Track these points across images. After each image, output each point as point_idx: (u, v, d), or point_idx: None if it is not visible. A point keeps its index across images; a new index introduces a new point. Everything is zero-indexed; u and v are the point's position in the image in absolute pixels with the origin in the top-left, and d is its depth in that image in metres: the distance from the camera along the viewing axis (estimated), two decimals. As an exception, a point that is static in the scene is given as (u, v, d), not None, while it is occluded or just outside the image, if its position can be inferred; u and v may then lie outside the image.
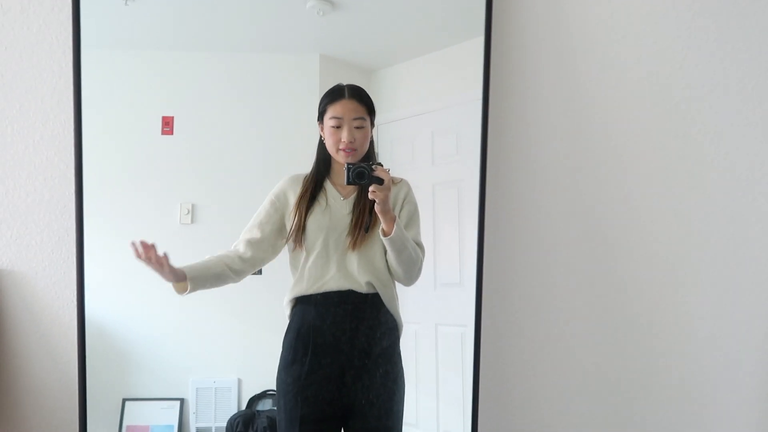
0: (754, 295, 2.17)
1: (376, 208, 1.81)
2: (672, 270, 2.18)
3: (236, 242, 1.89)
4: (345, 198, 1.90)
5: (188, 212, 1.95)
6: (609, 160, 2.16)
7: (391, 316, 1.90)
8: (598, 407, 2.19)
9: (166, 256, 1.77)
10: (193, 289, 1.81)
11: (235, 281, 1.86)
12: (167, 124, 1.94)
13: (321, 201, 1.89)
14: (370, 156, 1.91)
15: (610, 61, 2.15)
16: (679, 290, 2.18)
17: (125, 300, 1.94)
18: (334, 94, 1.90)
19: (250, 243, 1.88)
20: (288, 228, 1.89)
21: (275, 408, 1.92)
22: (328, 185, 1.91)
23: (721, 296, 2.17)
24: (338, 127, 1.88)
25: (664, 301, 2.18)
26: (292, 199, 1.90)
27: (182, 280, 1.80)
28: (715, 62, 2.15)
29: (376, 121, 1.92)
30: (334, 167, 1.92)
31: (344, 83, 1.91)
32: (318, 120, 1.91)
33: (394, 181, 1.90)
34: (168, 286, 1.83)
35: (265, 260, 1.90)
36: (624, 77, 2.15)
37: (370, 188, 1.80)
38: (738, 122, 2.16)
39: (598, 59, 2.15)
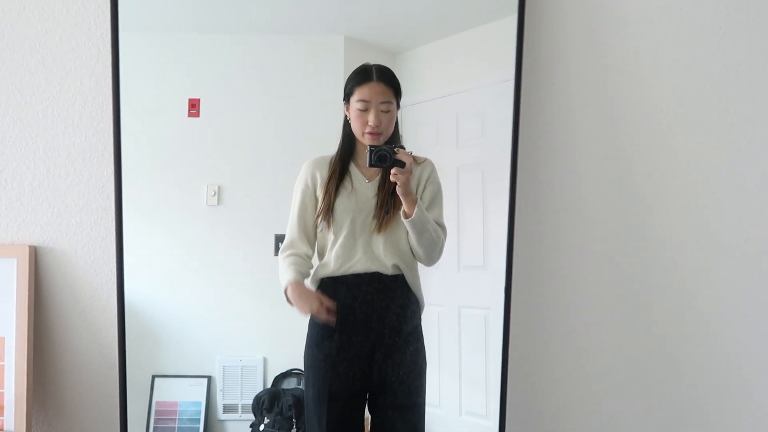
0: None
1: (398, 190, 1.81)
2: (709, 255, 2.13)
3: (290, 243, 1.92)
4: (369, 181, 1.90)
5: (214, 194, 1.97)
6: (647, 142, 2.11)
7: (416, 296, 1.91)
8: (629, 393, 2.17)
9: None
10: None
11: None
12: (193, 107, 1.95)
13: (347, 184, 1.90)
14: (394, 138, 1.90)
15: (646, 42, 2.10)
16: (714, 276, 2.13)
17: (154, 279, 1.97)
18: (361, 76, 1.89)
19: (307, 237, 1.92)
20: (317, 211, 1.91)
21: (300, 387, 1.95)
22: (352, 168, 1.91)
23: (756, 288, 2.12)
24: (365, 110, 1.88)
25: (700, 286, 2.14)
26: (320, 179, 1.91)
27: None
28: (752, 46, 2.09)
29: (401, 103, 1.91)
30: (358, 149, 1.92)
31: (371, 63, 1.91)
32: (344, 100, 1.90)
33: (418, 161, 1.90)
34: (196, 267, 1.94)
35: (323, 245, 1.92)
36: (660, 58, 2.10)
37: (392, 171, 1.80)
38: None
39: (633, 39, 2.10)
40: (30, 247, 1.97)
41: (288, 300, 1.87)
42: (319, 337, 1.88)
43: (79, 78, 2.00)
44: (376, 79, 1.88)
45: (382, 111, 1.88)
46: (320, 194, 1.90)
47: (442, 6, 2.03)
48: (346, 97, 1.90)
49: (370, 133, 1.87)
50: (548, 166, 2.12)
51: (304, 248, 1.91)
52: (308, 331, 1.90)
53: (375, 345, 1.88)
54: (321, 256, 1.91)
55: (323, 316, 1.87)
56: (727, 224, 2.12)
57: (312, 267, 1.91)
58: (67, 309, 2.02)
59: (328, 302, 1.88)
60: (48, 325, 2.02)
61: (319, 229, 1.91)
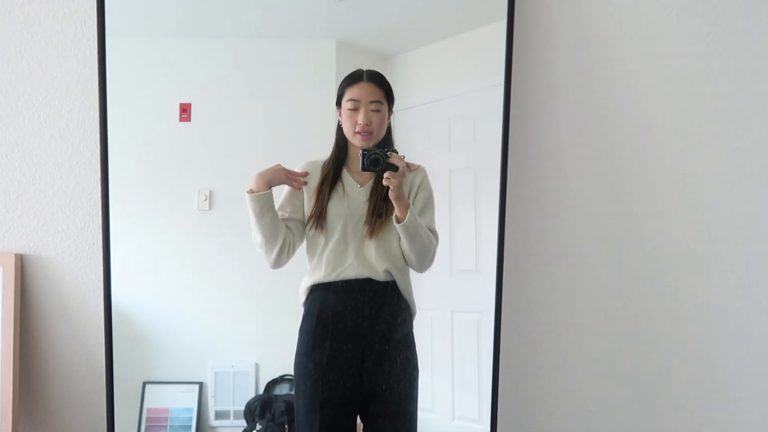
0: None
1: (390, 194, 1.82)
2: (698, 261, 2.15)
3: None
4: (362, 186, 1.90)
5: (206, 198, 1.96)
6: (636, 147, 2.13)
7: (407, 303, 1.91)
8: (619, 397, 2.18)
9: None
10: (264, 201, 1.85)
11: (279, 246, 1.87)
12: (185, 111, 1.94)
13: (338, 189, 1.90)
14: (387, 143, 1.91)
15: (634, 46, 2.12)
16: (703, 281, 2.15)
17: (145, 285, 1.96)
18: (352, 78, 1.90)
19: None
20: (307, 213, 1.90)
21: (292, 393, 1.94)
22: (344, 173, 1.91)
23: (750, 292, 2.14)
24: (355, 109, 1.88)
25: (690, 292, 2.15)
26: (310, 184, 1.91)
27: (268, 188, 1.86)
28: (741, 49, 2.11)
29: (393, 107, 1.92)
30: (351, 154, 1.92)
31: (364, 68, 1.92)
32: (336, 104, 1.91)
33: (411, 168, 1.90)
34: (188, 273, 1.95)
35: (294, 240, 1.91)
36: (649, 63, 2.12)
37: (384, 175, 1.80)
38: (765, 111, 2.11)
39: (622, 44, 2.12)
40: (16, 255, 1.96)
41: (251, 193, 1.85)
42: (309, 345, 1.87)
43: (66, 84, 1.99)
44: (366, 80, 1.90)
45: (372, 110, 1.88)
46: (309, 197, 1.90)
47: (433, 11, 2.03)
48: (338, 101, 1.91)
49: (360, 132, 1.88)
50: (538, 170, 2.13)
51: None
52: (298, 339, 1.89)
53: (365, 353, 1.88)
54: (311, 259, 1.90)
55: (294, 184, 1.90)
56: (717, 229, 2.14)
57: (284, 225, 1.89)
58: (53, 317, 2.00)
59: (292, 172, 1.90)
60: (34, 333, 2.00)
61: (308, 235, 1.90)
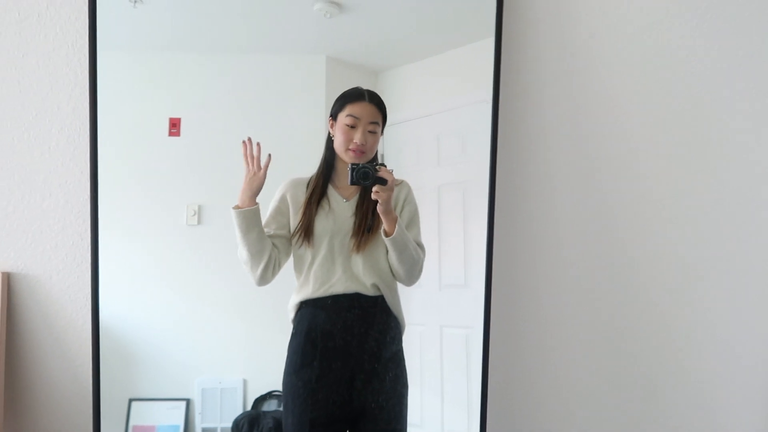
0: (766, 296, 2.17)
1: (379, 208, 1.82)
2: (683, 273, 2.16)
3: None
4: (347, 200, 1.91)
5: (195, 213, 1.96)
6: (620, 161, 2.15)
7: (397, 320, 1.91)
8: (607, 410, 2.18)
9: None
10: (250, 217, 1.84)
11: (265, 263, 1.86)
12: (174, 126, 1.95)
13: (324, 204, 1.90)
14: (373, 161, 1.91)
15: (621, 62, 2.15)
16: (689, 294, 2.17)
17: (132, 301, 1.95)
18: (354, 95, 1.91)
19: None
20: (293, 229, 1.90)
21: (280, 409, 1.93)
22: (329, 188, 1.92)
23: (731, 297, 2.17)
24: (353, 126, 1.89)
25: (675, 304, 2.17)
26: (294, 202, 1.91)
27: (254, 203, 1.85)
28: (727, 59, 2.14)
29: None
30: (338, 169, 1.93)
31: (361, 86, 1.93)
32: (331, 117, 1.92)
33: (396, 182, 1.90)
34: (176, 288, 1.93)
35: (279, 257, 1.90)
36: (635, 77, 2.15)
37: (374, 189, 1.81)
38: (751, 120, 2.15)
39: (608, 60, 2.15)
40: (3, 273, 1.95)
41: (237, 209, 1.85)
42: (298, 363, 1.86)
43: (57, 103, 1.99)
44: (368, 100, 1.91)
45: (369, 131, 1.89)
46: (295, 215, 1.90)
47: (422, 27, 2.06)
48: (334, 114, 1.91)
49: (354, 150, 1.88)
50: (527, 184, 2.15)
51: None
52: (287, 357, 1.88)
53: (354, 371, 1.87)
54: (299, 275, 1.90)
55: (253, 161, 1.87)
56: (706, 246, 2.16)
57: (269, 241, 1.89)
58: (40, 336, 1.99)
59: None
60: (21, 352, 1.98)
61: (295, 252, 1.90)
